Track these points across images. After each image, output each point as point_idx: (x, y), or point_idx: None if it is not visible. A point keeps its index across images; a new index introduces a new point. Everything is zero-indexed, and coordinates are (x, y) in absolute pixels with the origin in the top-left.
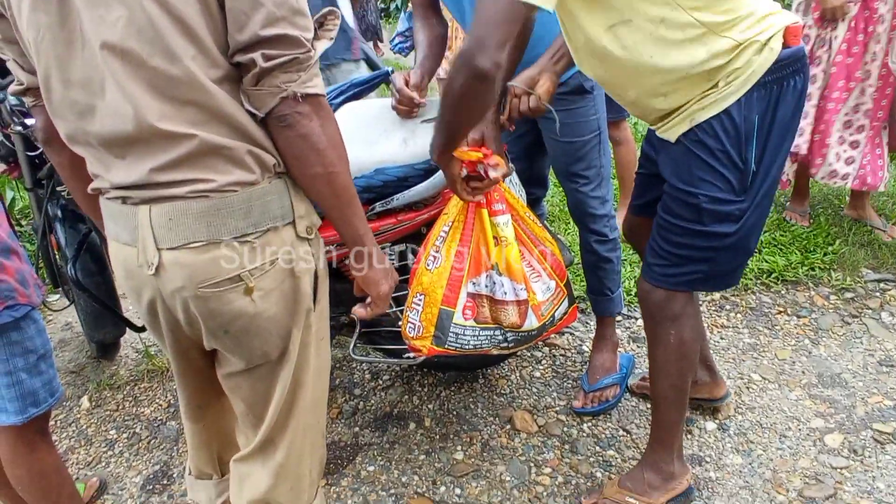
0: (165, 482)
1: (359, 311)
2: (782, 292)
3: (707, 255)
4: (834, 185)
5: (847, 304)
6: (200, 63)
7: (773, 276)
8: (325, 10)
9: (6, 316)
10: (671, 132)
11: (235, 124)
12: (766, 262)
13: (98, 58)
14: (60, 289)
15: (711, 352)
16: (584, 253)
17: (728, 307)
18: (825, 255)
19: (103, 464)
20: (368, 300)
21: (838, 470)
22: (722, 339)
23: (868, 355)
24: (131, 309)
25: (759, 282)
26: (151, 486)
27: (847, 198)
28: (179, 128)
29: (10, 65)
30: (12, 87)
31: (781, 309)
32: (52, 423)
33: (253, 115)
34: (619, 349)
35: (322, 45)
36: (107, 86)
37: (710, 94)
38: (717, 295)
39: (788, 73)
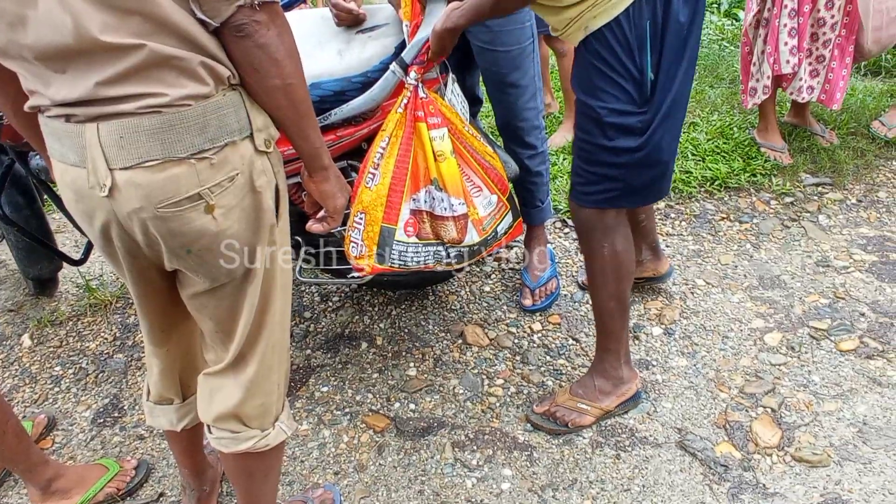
0: (116, 415)
1: (314, 226)
2: (725, 199)
3: (618, 172)
4: (801, 100)
5: (787, 209)
6: None
7: (717, 183)
8: None
9: None
10: (571, 38)
11: (185, 34)
12: (710, 169)
13: None
14: None
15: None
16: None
17: (673, 215)
18: (766, 161)
19: (50, 401)
20: (322, 214)
21: (777, 367)
22: (667, 246)
23: (806, 257)
24: (66, 243)
25: (702, 189)
26: (102, 420)
27: (788, 104)
28: (125, 39)
29: None
30: None
31: (724, 215)
32: None
33: (204, 25)
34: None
35: None
36: None
37: (600, 2)
38: (661, 203)
39: None
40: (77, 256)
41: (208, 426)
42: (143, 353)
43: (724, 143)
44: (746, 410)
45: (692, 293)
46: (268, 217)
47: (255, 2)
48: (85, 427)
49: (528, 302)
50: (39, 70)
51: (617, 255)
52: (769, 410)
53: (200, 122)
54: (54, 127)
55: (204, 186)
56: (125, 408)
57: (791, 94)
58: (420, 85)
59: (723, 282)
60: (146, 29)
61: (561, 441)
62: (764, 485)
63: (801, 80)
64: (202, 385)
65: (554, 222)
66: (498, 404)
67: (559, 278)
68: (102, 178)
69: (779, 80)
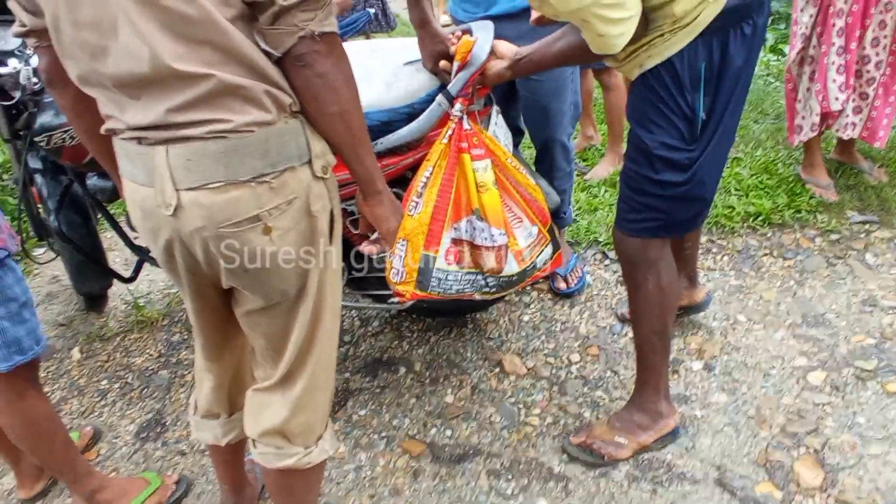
0: (159, 430)
1: (368, 247)
2: (769, 235)
3: (662, 204)
4: (844, 136)
5: (832, 246)
6: (214, 2)
7: (760, 218)
8: None
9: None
10: (628, 73)
11: (251, 64)
12: (753, 205)
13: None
14: (46, 241)
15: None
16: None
17: (715, 250)
18: (811, 197)
19: (96, 413)
20: (375, 236)
21: (820, 406)
22: (709, 281)
23: (852, 296)
24: (117, 261)
25: (745, 225)
26: (145, 434)
27: (833, 141)
28: (196, 68)
29: (12, 5)
30: (15, 29)
31: (767, 251)
32: (43, 374)
33: (268, 55)
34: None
35: None
36: (119, 26)
37: (655, 42)
38: (703, 238)
39: (734, 20)
40: (127, 275)
41: (253, 441)
42: (187, 370)
43: (769, 178)
44: (788, 450)
45: (733, 329)
46: (323, 240)
47: (316, 33)
48: (128, 440)
49: (562, 286)
50: (116, 96)
51: (661, 288)
52: (812, 451)
53: (262, 147)
54: (127, 149)
55: (263, 209)
56: (167, 423)
57: (837, 130)
58: (465, 117)
59: (765, 318)
60: (215, 59)
61: (597, 473)
62: None
63: (846, 116)
64: (250, 400)
65: (595, 254)
66: (534, 434)
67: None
68: (169, 197)
69: (825, 117)
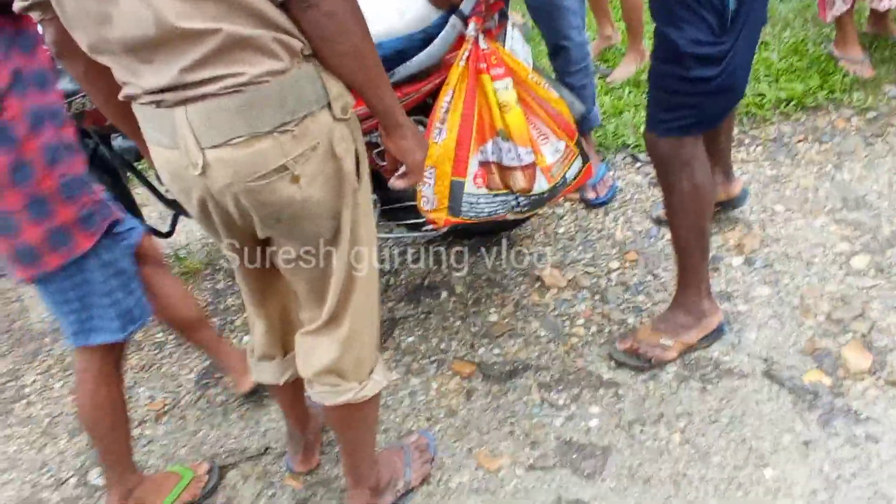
0: (218, 375)
1: (396, 182)
2: (802, 120)
3: (695, 101)
4: (881, 8)
5: (869, 125)
6: None
7: (793, 103)
8: None
9: (111, 238)
10: None
11: (257, 13)
12: (784, 90)
13: None
14: None
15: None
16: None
17: (747, 141)
18: (845, 75)
19: (156, 366)
20: (402, 170)
21: (865, 290)
22: (743, 173)
23: (893, 174)
24: (152, 216)
25: (777, 112)
26: (206, 381)
27: (866, 14)
28: (202, 24)
29: None
30: (17, 4)
31: (802, 137)
32: None
33: (272, 1)
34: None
35: None
36: None
37: None
38: (735, 130)
39: None
40: (164, 229)
41: (308, 381)
42: (235, 315)
43: (799, 60)
44: (835, 337)
45: (772, 220)
46: (350, 181)
47: None
48: (190, 388)
49: (592, 195)
50: (128, 62)
51: (696, 187)
52: (859, 335)
53: (280, 96)
54: (147, 113)
55: (288, 158)
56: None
57: (871, 2)
58: (480, 36)
59: (804, 206)
60: (220, 12)
61: (646, 377)
62: (856, 411)
63: None
64: (299, 343)
65: (624, 158)
66: (580, 344)
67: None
68: (194, 157)
69: None
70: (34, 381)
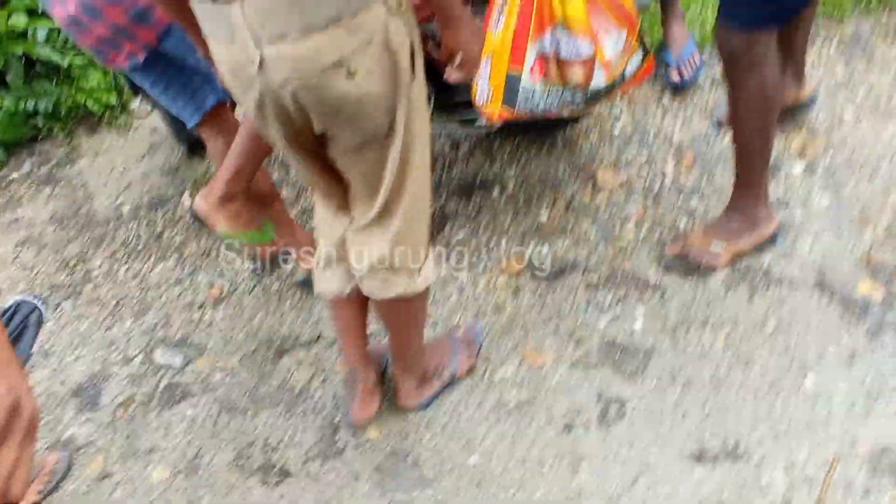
0: (272, 266)
1: (452, 74)
2: (884, 17)
3: None
4: None
5: None
6: None
7: None
8: None
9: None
10: None
11: None
12: None
13: None
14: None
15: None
16: None
17: (819, 40)
18: None
19: (214, 255)
20: (458, 61)
21: None
22: (813, 75)
23: None
24: None
25: (858, 8)
26: (262, 271)
27: None
28: None
29: None
30: None
31: (882, 35)
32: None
33: None
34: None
35: None
36: None
37: None
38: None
39: None
40: None
41: (361, 278)
42: (289, 207)
43: None
44: (893, 250)
45: (839, 126)
46: (405, 75)
47: None
48: (247, 276)
49: (676, 78)
50: None
51: (766, 87)
52: None
53: None
54: (205, 8)
55: (344, 52)
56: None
57: None
58: None
59: (875, 112)
60: None
61: (694, 281)
62: None
63: None
64: (352, 238)
65: (703, 62)
66: (630, 246)
67: (699, 51)
68: (252, 53)
69: None
70: (101, 265)
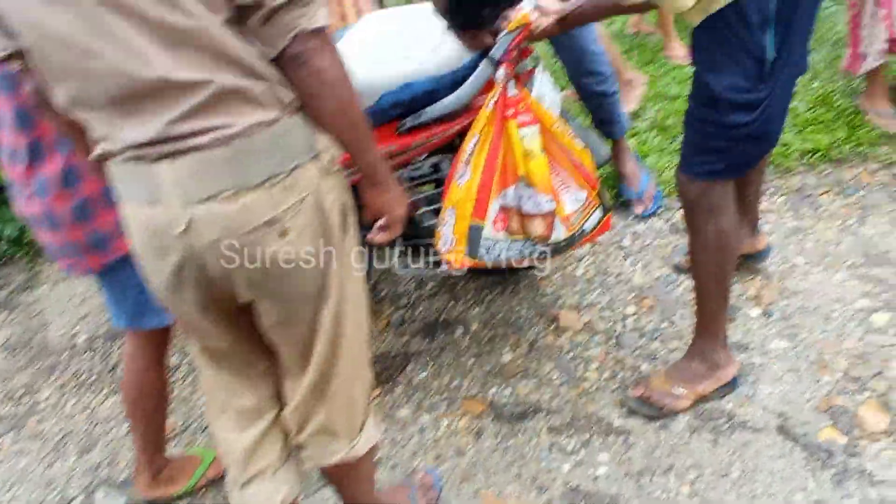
0: None
1: (377, 236)
2: (827, 172)
3: (728, 146)
4: None
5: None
6: (203, 7)
7: (818, 155)
8: None
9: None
10: (690, 19)
11: (248, 65)
12: (810, 140)
13: (94, 14)
14: None
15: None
16: (587, 98)
17: (771, 190)
18: (872, 129)
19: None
20: (382, 222)
21: (885, 348)
22: (765, 223)
23: None
24: None
25: (802, 162)
26: None
27: (894, 67)
28: (193, 75)
29: None
30: None
31: (826, 189)
32: (118, 353)
33: (263, 54)
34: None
35: None
36: (107, 43)
37: None
38: None
39: None
40: None
41: (299, 445)
42: None
43: (826, 111)
44: (852, 394)
45: (792, 272)
46: (337, 235)
47: (308, 30)
48: (201, 414)
49: (640, 209)
50: (109, 115)
51: (722, 233)
52: (877, 395)
53: (270, 147)
54: (124, 171)
55: (278, 210)
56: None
57: None
58: (510, 82)
59: (825, 259)
60: (211, 64)
61: (657, 425)
62: (871, 472)
63: None
64: (291, 416)
65: (662, 195)
66: (593, 389)
67: (654, 180)
68: (178, 214)
69: (892, 45)
70: (48, 397)
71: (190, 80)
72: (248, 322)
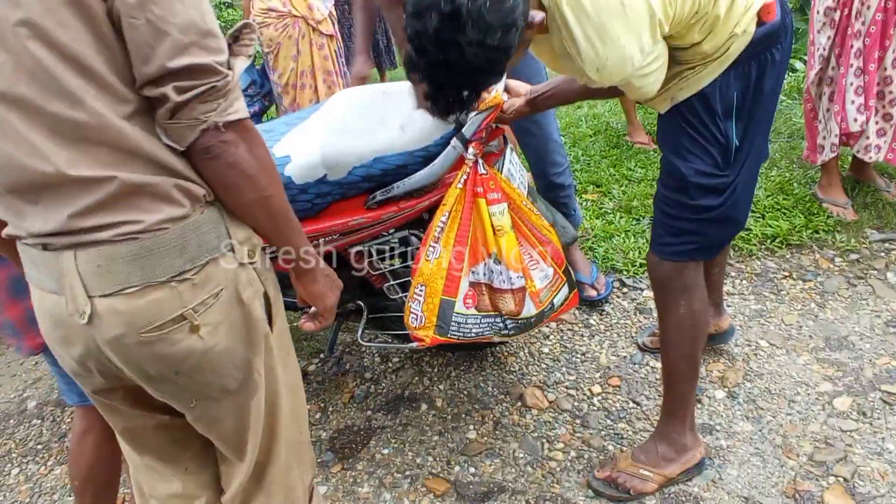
0: None
1: (307, 325)
2: (787, 256)
3: (697, 227)
4: (868, 160)
5: (852, 266)
6: (105, 101)
7: (778, 240)
8: (240, 23)
9: None
10: (657, 107)
11: (155, 159)
12: (770, 226)
13: None
14: None
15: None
16: (547, 189)
17: (733, 274)
18: (829, 217)
19: None
20: (313, 311)
21: (848, 433)
22: (729, 306)
23: (875, 316)
24: None
25: (763, 247)
26: None
27: (849, 158)
28: (94, 172)
29: None
30: None
31: (787, 273)
32: (68, 420)
33: (173, 148)
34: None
35: (241, 64)
36: (3, 135)
37: (686, 75)
38: None
39: (763, 48)
40: None
41: None
42: None
43: (785, 199)
44: (817, 479)
45: (755, 355)
46: (260, 327)
47: (220, 123)
48: None
49: (593, 293)
50: (12, 202)
51: (693, 314)
52: (841, 480)
53: (179, 243)
54: (31, 254)
55: (187, 307)
56: None
57: (858, 152)
58: (480, 161)
59: (787, 343)
60: (115, 159)
61: None
62: None
63: (867, 139)
64: (225, 500)
65: (612, 282)
66: (558, 469)
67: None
68: (81, 305)
69: (846, 138)
70: None
71: (91, 176)
72: (171, 407)
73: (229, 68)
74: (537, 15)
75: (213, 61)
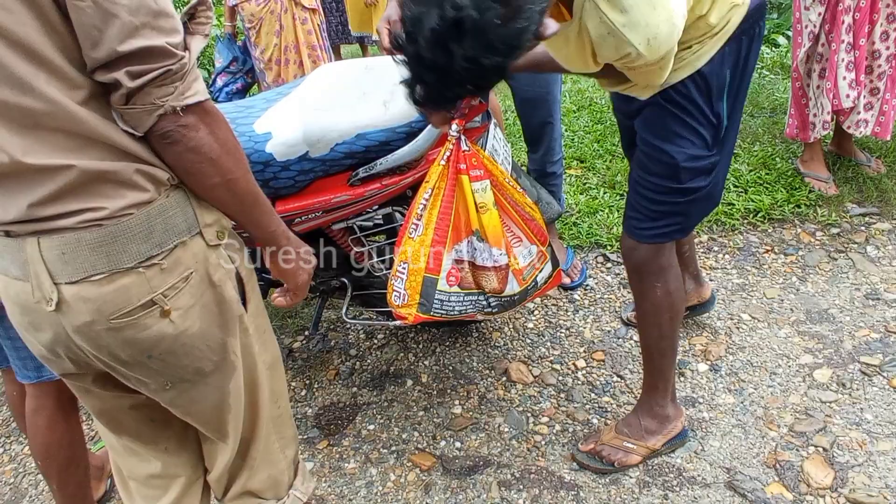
0: None
1: (279, 300)
2: (769, 231)
3: (683, 209)
4: (858, 134)
5: (833, 240)
6: (58, 87)
7: (760, 215)
8: (194, 1)
9: None
10: (640, 95)
11: (115, 145)
12: (753, 201)
13: None
14: None
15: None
16: (538, 177)
17: (716, 248)
18: (810, 191)
19: None
20: (285, 288)
21: (827, 404)
22: (711, 280)
23: (854, 289)
24: None
25: (745, 221)
26: None
27: (831, 133)
28: (51, 160)
29: None
30: None
31: (769, 248)
32: None
33: (132, 132)
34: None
35: (197, 44)
36: None
37: (684, 55)
38: (704, 237)
39: (754, 21)
40: None
41: None
42: None
43: (767, 173)
44: (797, 449)
45: (738, 328)
46: (233, 308)
47: (178, 107)
48: None
49: (567, 280)
50: None
51: (669, 294)
52: (821, 450)
53: (145, 228)
54: None
55: (156, 292)
56: None
57: (848, 127)
58: (462, 137)
59: (769, 316)
60: (72, 146)
61: (607, 480)
62: None
63: (857, 113)
64: (214, 483)
65: (596, 257)
66: (543, 442)
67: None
68: (48, 292)
69: (837, 114)
70: None
71: (48, 164)
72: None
73: (185, 49)
74: (551, 25)
75: (166, 43)
